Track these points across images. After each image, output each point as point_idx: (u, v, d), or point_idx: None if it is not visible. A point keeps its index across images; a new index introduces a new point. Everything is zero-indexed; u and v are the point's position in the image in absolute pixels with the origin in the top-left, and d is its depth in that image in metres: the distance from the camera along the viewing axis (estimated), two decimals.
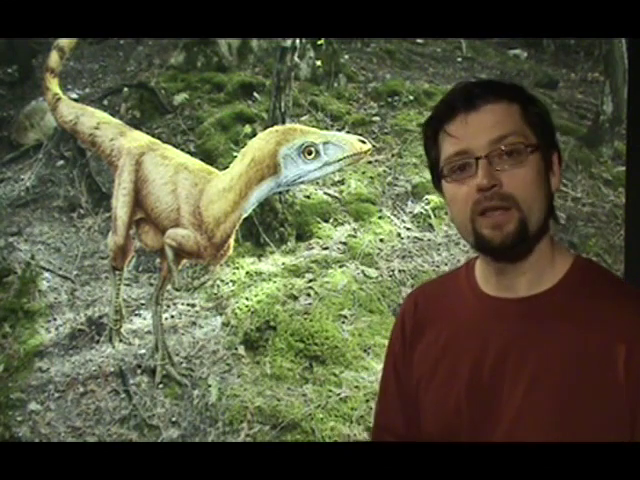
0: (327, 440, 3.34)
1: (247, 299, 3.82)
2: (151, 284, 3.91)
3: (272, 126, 3.78)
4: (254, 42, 4.82)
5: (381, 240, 4.11)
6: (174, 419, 3.48)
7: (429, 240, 4.12)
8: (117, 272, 3.73)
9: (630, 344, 1.11)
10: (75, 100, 4.31)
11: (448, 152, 1.18)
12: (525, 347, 1.16)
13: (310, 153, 3.33)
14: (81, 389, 3.59)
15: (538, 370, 1.14)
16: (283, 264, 3.98)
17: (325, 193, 4.28)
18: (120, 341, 3.74)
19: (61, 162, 4.48)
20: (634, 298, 1.18)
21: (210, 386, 3.57)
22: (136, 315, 3.85)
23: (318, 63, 4.72)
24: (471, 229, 1.17)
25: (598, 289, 1.18)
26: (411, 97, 4.72)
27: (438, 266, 4.01)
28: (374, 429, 1.41)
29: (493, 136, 1.14)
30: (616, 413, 1.11)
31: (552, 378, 1.14)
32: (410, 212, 4.22)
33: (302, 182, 3.50)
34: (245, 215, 3.51)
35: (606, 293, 1.18)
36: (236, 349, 3.69)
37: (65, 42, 4.00)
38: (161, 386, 3.59)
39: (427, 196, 4.18)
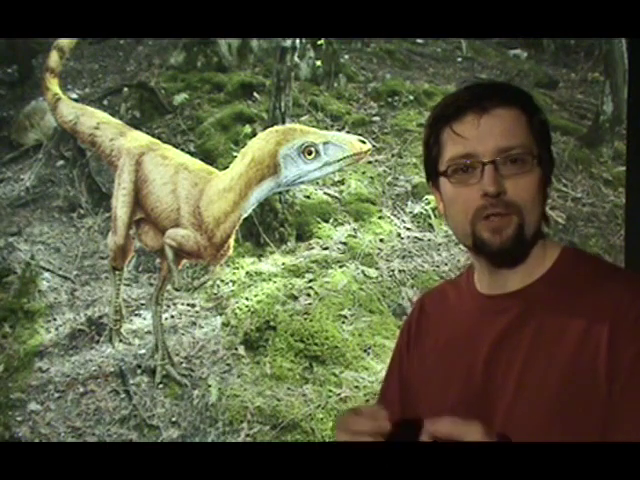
0: (327, 440, 3.34)
1: (247, 299, 3.82)
2: (151, 284, 3.90)
3: (272, 126, 3.78)
4: (254, 42, 4.82)
5: (381, 240, 4.11)
6: (174, 419, 3.48)
7: (429, 240, 4.12)
8: (117, 272, 3.73)
9: (612, 324, 1.10)
10: (75, 100, 4.31)
11: (453, 152, 1.17)
12: (515, 340, 1.16)
13: (310, 153, 3.34)
14: (81, 389, 3.59)
15: (527, 363, 1.14)
16: (283, 264, 3.98)
17: (325, 193, 4.28)
18: (120, 341, 3.74)
19: (61, 162, 4.48)
20: (621, 279, 1.18)
21: (210, 386, 3.57)
22: (136, 315, 3.85)
23: (318, 63, 4.72)
24: (470, 232, 1.17)
25: (585, 275, 1.18)
26: (411, 97, 4.72)
27: (438, 266, 4.00)
28: None
29: (502, 144, 1.14)
30: (602, 400, 1.09)
31: (540, 370, 1.13)
32: (410, 212, 4.22)
33: (302, 182, 3.50)
34: (245, 215, 3.51)
35: (593, 278, 1.17)
36: (236, 349, 3.69)
37: (65, 42, 4.00)
38: (161, 386, 3.59)
39: (427, 196, 4.18)
